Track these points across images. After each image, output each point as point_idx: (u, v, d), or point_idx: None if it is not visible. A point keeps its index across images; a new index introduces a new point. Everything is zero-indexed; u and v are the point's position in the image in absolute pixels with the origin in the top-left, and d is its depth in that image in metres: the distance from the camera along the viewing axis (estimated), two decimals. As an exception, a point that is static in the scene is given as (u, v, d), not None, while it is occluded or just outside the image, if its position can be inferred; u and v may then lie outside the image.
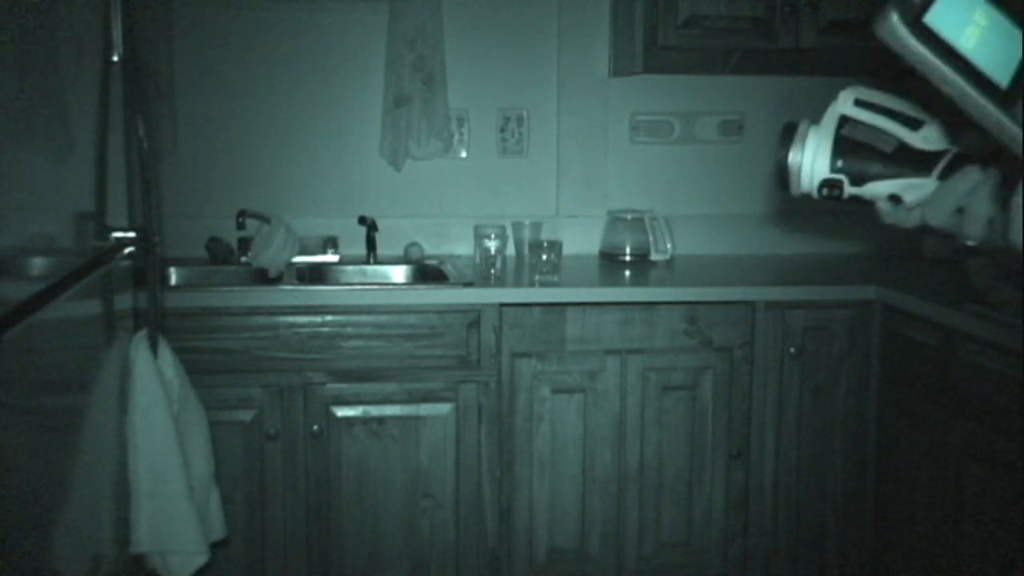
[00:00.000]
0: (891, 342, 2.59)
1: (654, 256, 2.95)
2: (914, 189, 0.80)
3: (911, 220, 0.82)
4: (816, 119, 0.84)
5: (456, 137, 3.06)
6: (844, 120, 0.82)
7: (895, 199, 0.81)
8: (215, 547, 2.06)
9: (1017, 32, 0.64)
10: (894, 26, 0.63)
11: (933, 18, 0.63)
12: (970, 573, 2.25)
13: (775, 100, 3.15)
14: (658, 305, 2.59)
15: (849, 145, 0.81)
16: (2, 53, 1.26)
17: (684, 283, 2.69)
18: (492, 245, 2.72)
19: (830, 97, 0.85)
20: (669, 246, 2.96)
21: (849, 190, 0.82)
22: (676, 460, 2.65)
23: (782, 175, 0.84)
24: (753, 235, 3.18)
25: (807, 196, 0.85)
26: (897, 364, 2.56)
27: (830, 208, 3.19)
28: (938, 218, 0.79)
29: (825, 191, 0.83)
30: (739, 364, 2.63)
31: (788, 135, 0.84)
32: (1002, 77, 0.63)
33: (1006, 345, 2.09)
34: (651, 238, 2.95)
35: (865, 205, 0.84)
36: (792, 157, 0.83)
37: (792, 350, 2.63)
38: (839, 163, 0.82)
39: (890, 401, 2.60)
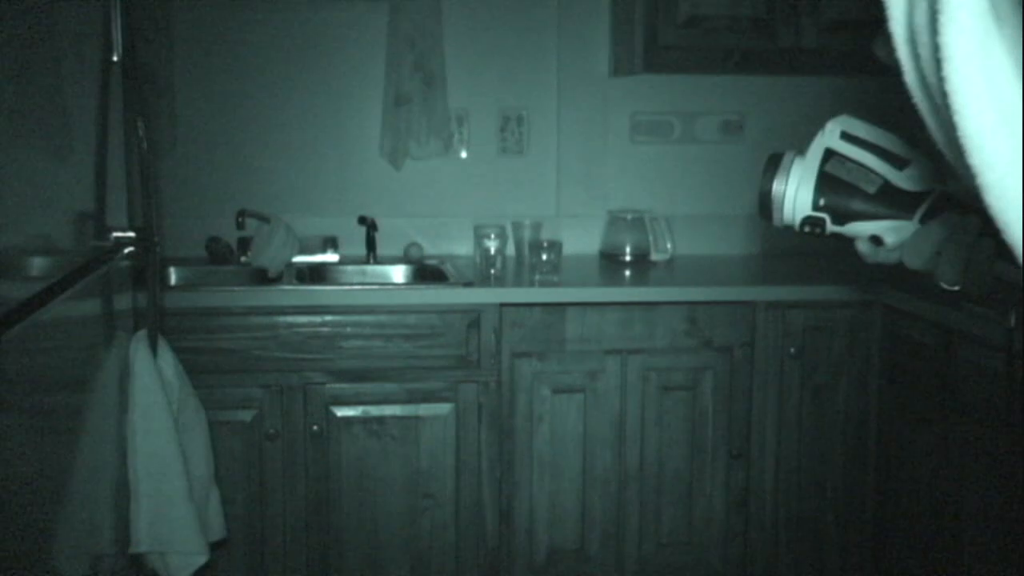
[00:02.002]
0: (891, 342, 2.59)
1: (654, 256, 2.95)
2: (895, 231, 0.79)
3: (891, 259, 0.82)
4: (802, 148, 0.83)
5: (456, 137, 3.05)
6: (829, 154, 0.80)
7: (876, 240, 0.80)
8: (215, 547, 2.06)
9: None
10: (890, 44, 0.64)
11: None
12: (970, 573, 2.25)
13: (775, 100, 3.15)
14: (658, 305, 2.59)
15: (833, 183, 0.80)
16: (2, 53, 1.26)
17: (684, 283, 2.69)
18: (492, 245, 2.72)
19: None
20: (669, 246, 2.96)
21: (831, 228, 0.81)
22: (676, 460, 2.65)
23: (764, 206, 0.83)
24: (753, 235, 3.18)
25: (789, 228, 0.84)
26: (897, 364, 2.56)
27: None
28: (916, 262, 0.79)
29: (807, 228, 0.82)
30: (739, 364, 2.63)
31: (772, 166, 0.82)
32: None
33: (1007, 345, 2.09)
34: (651, 238, 2.95)
35: (847, 242, 0.83)
36: (775, 189, 0.82)
37: (792, 350, 2.63)
38: (821, 201, 0.81)
39: (890, 401, 2.60)
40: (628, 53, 2.90)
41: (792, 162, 0.82)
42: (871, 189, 0.79)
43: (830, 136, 0.81)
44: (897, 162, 0.79)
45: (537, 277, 2.66)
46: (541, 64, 3.08)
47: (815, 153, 0.81)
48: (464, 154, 3.09)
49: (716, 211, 3.18)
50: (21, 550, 1.30)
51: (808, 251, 3.18)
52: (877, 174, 0.79)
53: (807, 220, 0.82)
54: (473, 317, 2.53)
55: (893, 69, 0.61)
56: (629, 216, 2.98)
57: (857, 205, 0.79)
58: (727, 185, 3.18)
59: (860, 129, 0.81)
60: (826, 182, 0.80)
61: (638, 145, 3.14)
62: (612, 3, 3.03)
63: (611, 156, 3.13)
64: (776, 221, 0.83)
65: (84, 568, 1.63)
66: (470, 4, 3.03)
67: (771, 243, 3.18)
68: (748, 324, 2.62)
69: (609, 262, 2.99)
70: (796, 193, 0.81)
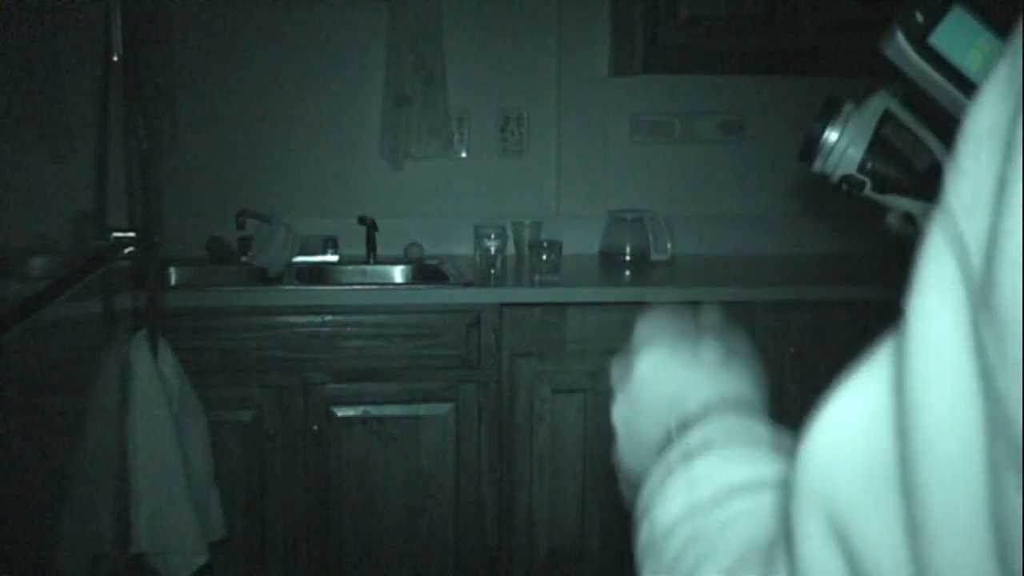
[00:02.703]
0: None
1: (654, 256, 2.95)
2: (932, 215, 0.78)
3: (914, 236, 0.80)
4: (861, 100, 0.80)
5: (456, 137, 3.05)
6: (888, 117, 0.78)
7: (909, 218, 0.79)
8: (215, 547, 2.06)
9: None
10: (900, 45, 0.63)
11: (938, 39, 0.63)
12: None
13: (775, 100, 3.15)
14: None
15: (885, 149, 0.77)
16: (2, 53, 1.26)
17: (684, 283, 2.69)
18: (492, 245, 2.72)
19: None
20: (669, 246, 2.96)
21: (868, 193, 0.79)
22: (676, 460, 2.64)
23: (810, 149, 0.80)
24: (753, 235, 3.18)
25: (823, 177, 0.81)
26: (897, 364, 2.56)
27: (831, 208, 3.19)
28: None
29: (844, 186, 0.79)
30: (739, 364, 2.62)
31: (829, 111, 0.79)
32: None
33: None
34: (651, 238, 2.95)
35: (875, 206, 0.81)
36: (827, 136, 0.78)
37: (792, 350, 2.63)
38: (869, 164, 0.78)
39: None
40: (628, 53, 2.90)
41: (850, 114, 0.79)
42: (921, 166, 0.77)
43: (891, 97, 0.78)
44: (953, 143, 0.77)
45: (537, 277, 2.66)
46: (541, 64, 3.08)
47: (874, 111, 0.78)
48: (464, 154, 3.09)
49: (716, 211, 3.18)
50: (21, 550, 1.30)
51: (809, 250, 3.18)
52: (931, 152, 0.77)
53: (848, 178, 0.79)
54: (473, 317, 2.53)
55: (896, 70, 0.61)
56: (629, 216, 2.98)
57: (904, 179, 0.77)
58: (727, 185, 3.18)
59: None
60: (879, 146, 0.77)
61: (638, 145, 3.14)
62: (612, 3, 3.03)
63: (611, 156, 3.13)
64: (816, 167, 0.80)
65: (84, 568, 1.63)
66: (470, 4, 3.03)
67: (771, 243, 3.18)
68: (748, 324, 2.62)
69: (609, 262, 2.99)
70: (847, 147, 0.78)
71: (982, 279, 0.29)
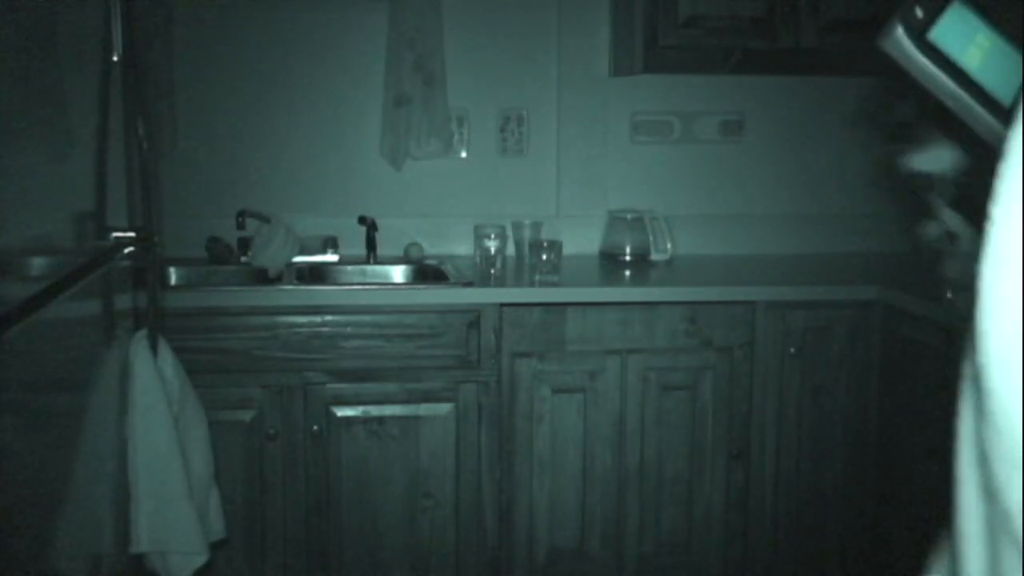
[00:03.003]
0: (892, 342, 2.59)
1: (654, 256, 2.95)
2: (971, 240, 0.77)
3: (939, 248, 0.78)
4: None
5: (456, 137, 3.05)
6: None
7: (951, 236, 0.77)
8: (215, 547, 2.06)
9: (1018, 56, 0.64)
10: (899, 40, 0.64)
11: (937, 34, 0.63)
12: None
13: (775, 100, 3.15)
14: (658, 305, 2.59)
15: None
16: (2, 53, 1.26)
17: (684, 283, 2.69)
18: (492, 245, 2.72)
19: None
20: (669, 246, 2.96)
21: (937, 201, 0.74)
22: (676, 460, 2.65)
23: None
24: (753, 235, 3.18)
25: (890, 153, 0.77)
26: (898, 364, 2.56)
27: (830, 208, 3.19)
28: (952, 272, 0.76)
29: (920, 179, 0.77)
30: (739, 364, 2.63)
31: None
32: (1005, 97, 0.64)
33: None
34: (651, 238, 2.95)
35: (920, 204, 0.78)
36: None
37: (792, 350, 2.63)
38: (966, 177, 0.76)
39: (890, 401, 2.60)
40: (628, 53, 2.90)
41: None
42: None
43: None
44: None
45: (537, 277, 2.66)
46: (541, 64, 3.08)
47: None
48: (464, 154, 3.09)
49: (716, 211, 3.18)
50: (21, 550, 1.30)
51: (809, 250, 3.18)
52: None
53: (934, 176, 0.73)
54: (473, 317, 2.53)
55: (895, 70, 0.61)
56: (629, 216, 2.98)
57: (982, 203, 0.76)
58: (727, 185, 3.18)
59: None
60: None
61: (638, 145, 3.14)
62: (612, 3, 3.03)
63: (611, 156, 3.13)
64: (915, 163, 0.75)
65: (84, 568, 1.63)
66: (470, 4, 3.03)
67: (771, 243, 3.18)
68: (748, 324, 2.62)
69: (609, 262, 2.99)
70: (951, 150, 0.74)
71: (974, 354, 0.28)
